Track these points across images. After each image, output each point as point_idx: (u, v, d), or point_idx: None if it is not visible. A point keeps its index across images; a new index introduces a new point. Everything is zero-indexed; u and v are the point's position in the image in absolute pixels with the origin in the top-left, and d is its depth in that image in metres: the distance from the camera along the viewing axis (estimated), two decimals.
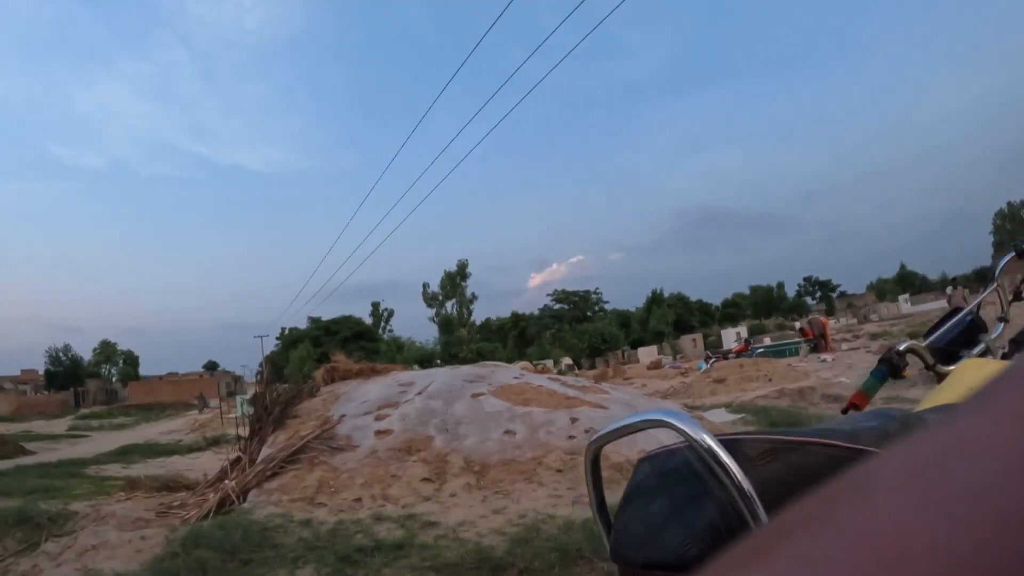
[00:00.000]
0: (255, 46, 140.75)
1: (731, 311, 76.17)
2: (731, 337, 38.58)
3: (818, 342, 22.88)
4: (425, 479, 6.96)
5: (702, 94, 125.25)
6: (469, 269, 69.79)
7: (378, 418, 8.49)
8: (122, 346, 79.78)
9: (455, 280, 69.55)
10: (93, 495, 8.56)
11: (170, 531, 5.88)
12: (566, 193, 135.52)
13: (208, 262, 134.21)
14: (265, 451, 8.24)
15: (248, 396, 36.91)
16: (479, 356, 46.65)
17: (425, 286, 69.88)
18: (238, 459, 8.98)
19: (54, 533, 5.97)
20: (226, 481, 7.36)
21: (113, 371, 77.28)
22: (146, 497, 8.45)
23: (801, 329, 25.75)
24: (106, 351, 77.37)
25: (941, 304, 40.89)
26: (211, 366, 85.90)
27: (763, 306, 75.16)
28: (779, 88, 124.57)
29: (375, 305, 60.18)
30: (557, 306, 69.39)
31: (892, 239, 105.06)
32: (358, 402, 9.26)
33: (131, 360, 78.30)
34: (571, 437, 7.53)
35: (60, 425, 34.83)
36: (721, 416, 10.47)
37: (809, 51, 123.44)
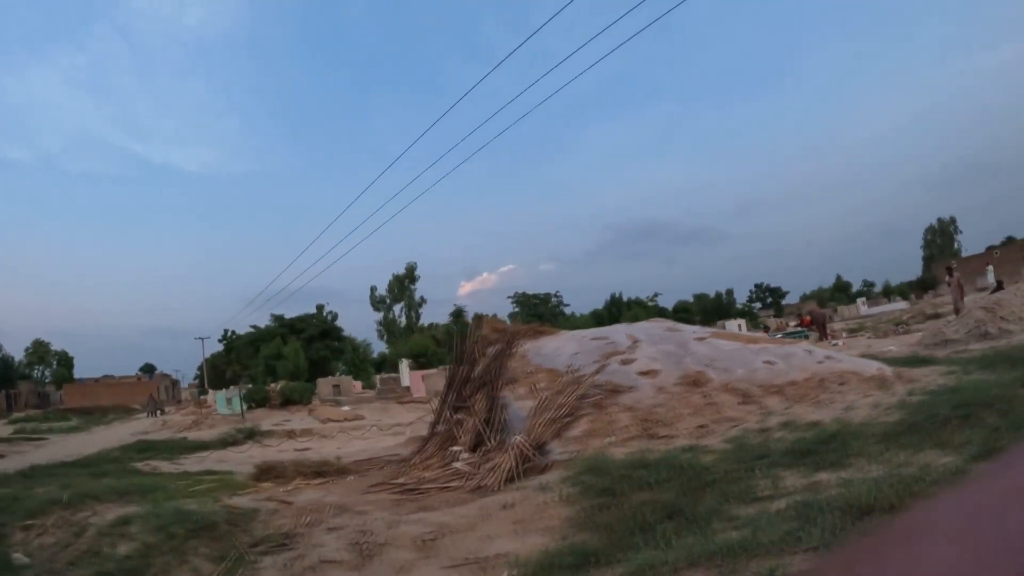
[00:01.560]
0: (195, 42, 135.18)
1: (683, 316, 78.40)
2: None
3: (820, 332, 24.36)
4: (742, 402, 7.81)
5: (640, 109, 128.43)
6: (417, 272, 68.87)
7: (624, 362, 9.05)
8: (55, 347, 75.22)
9: (403, 283, 68.43)
10: (218, 491, 7.88)
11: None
12: (497, 202, 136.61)
13: (141, 263, 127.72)
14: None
15: (229, 393, 35.40)
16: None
17: (373, 289, 68.56)
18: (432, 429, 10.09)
19: (268, 543, 5.31)
20: (516, 437, 7.40)
21: (47, 373, 72.63)
22: (318, 485, 8.22)
23: (801, 318, 27.25)
24: (39, 351, 72.44)
25: (896, 306, 43.60)
26: (148, 369, 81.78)
27: (713, 311, 77.69)
28: (715, 104, 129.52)
29: (319, 308, 59.01)
30: (519, 310, 69.51)
31: (826, 250, 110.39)
32: (564, 355, 9.85)
33: (65, 361, 73.56)
34: (820, 362, 8.59)
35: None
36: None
37: (745, 69, 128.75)
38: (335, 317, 58.46)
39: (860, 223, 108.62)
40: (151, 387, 57.42)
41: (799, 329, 28.72)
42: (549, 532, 4.87)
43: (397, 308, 68.36)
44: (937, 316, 24.29)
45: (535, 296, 70.27)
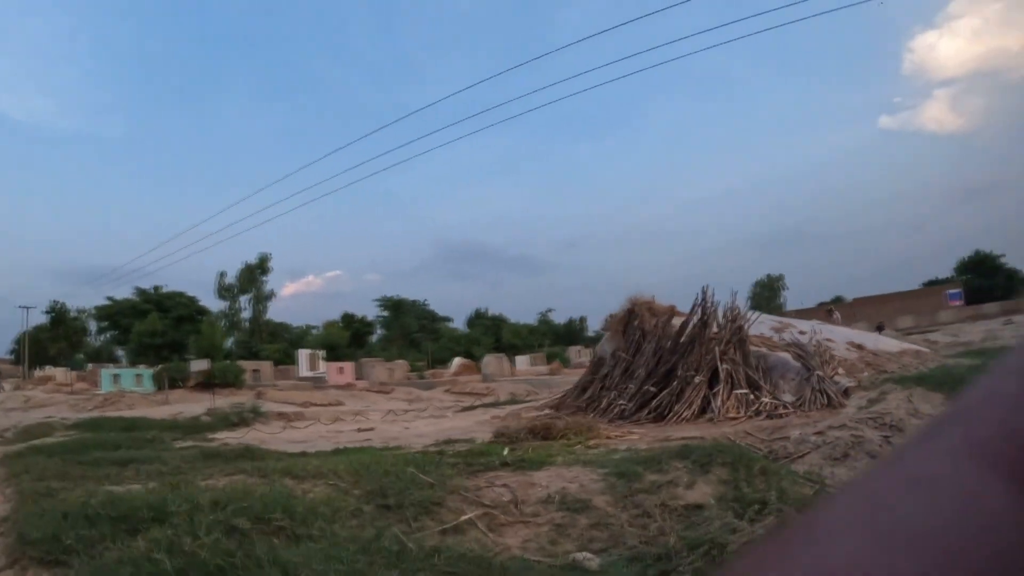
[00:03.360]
0: None
1: (531, 338, 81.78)
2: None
3: None
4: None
5: (487, 134, 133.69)
6: (271, 264, 64.25)
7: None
8: None
9: (254, 273, 63.60)
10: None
11: None
12: (328, 205, 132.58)
13: None
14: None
15: (120, 369, 29.75)
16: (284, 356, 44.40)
17: (221, 275, 62.43)
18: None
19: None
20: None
21: None
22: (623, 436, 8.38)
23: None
24: None
25: None
26: None
27: (565, 335, 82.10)
28: (560, 140, 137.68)
29: (156, 289, 51.85)
30: (385, 312, 67.31)
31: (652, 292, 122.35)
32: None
33: None
34: None
35: None
36: None
37: (595, 111, 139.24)
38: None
39: (687, 272, 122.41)
40: None
41: None
42: None
43: (244, 299, 63.14)
44: None
45: (402, 301, 68.43)
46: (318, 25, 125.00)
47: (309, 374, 35.66)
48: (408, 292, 72.50)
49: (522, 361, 42.29)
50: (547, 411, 13.99)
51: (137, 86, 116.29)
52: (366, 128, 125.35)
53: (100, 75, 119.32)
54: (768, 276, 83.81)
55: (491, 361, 29.99)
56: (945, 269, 66.41)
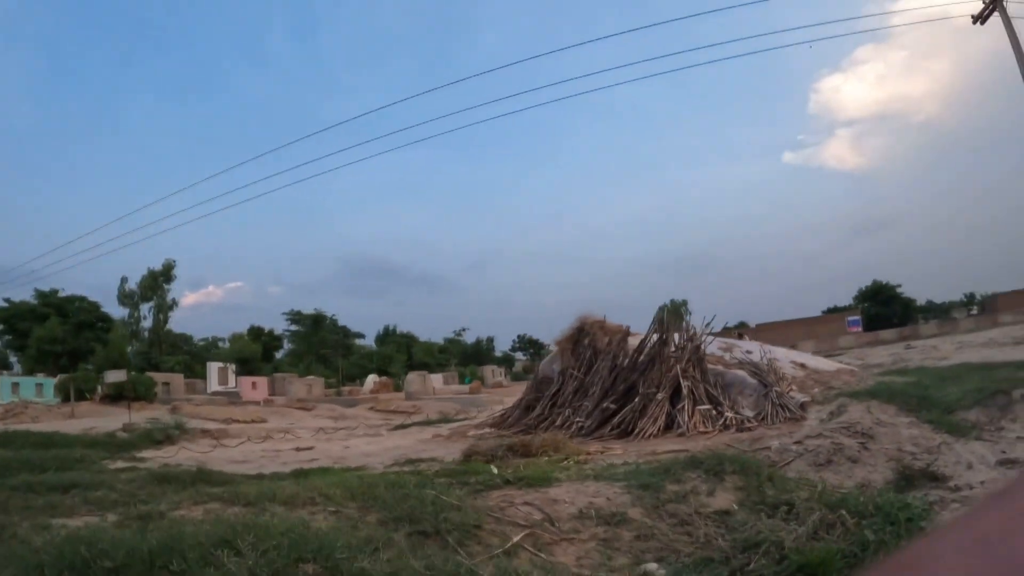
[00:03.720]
0: None
1: (442, 357, 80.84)
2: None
3: None
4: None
5: (401, 150, 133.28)
6: (175, 271, 60.60)
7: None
8: None
9: (157, 281, 59.58)
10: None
11: None
12: (231, 214, 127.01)
13: None
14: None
15: (11, 378, 26.35)
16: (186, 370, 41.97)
17: (123, 281, 58.12)
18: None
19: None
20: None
21: None
22: (598, 453, 8.51)
23: None
24: None
25: None
26: None
27: (473, 355, 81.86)
28: (468, 159, 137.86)
29: (53, 292, 47.26)
30: (294, 327, 64.50)
31: (553, 314, 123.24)
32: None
33: None
34: None
35: None
36: None
37: (506, 132, 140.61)
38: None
39: (593, 295, 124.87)
40: None
41: None
42: None
43: (145, 307, 58.96)
44: None
45: (310, 315, 65.80)
46: (235, 27, 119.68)
47: (220, 388, 33.56)
48: (312, 306, 70.17)
49: (437, 379, 41.77)
50: (488, 429, 13.90)
51: (39, 75, 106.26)
52: (278, 136, 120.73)
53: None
54: (672, 301, 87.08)
55: (414, 379, 29.27)
56: (845, 297, 71.64)
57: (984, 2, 23.13)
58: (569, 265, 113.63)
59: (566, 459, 7.79)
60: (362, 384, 41.51)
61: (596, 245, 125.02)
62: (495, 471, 6.83)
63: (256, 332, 56.72)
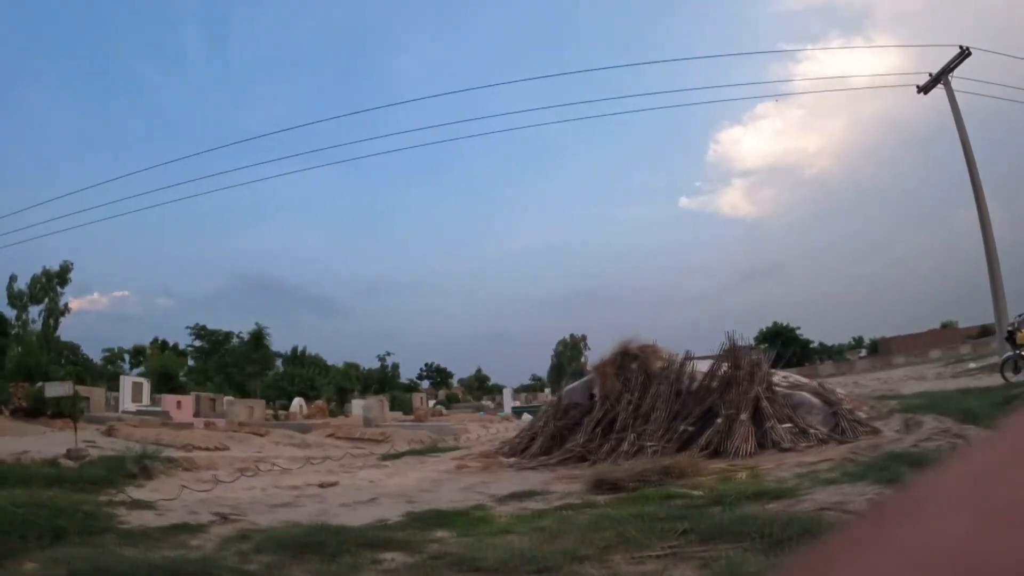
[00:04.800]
0: None
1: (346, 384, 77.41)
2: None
3: None
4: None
5: (303, 165, 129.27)
6: (71, 275, 54.94)
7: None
8: None
9: (52, 282, 53.88)
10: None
11: None
12: (121, 219, 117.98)
13: None
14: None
15: None
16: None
17: (12, 279, 51.85)
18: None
19: None
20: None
21: None
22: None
23: None
24: None
25: None
26: None
27: (378, 381, 79.35)
28: (363, 184, 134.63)
29: None
30: (198, 342, 59.42)
31: (457, 347, 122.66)
32: None
33: None
34: None
35: None
36: None
37: (403, 162, 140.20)
38: None
39: (485, 326, 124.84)
40: None
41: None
42: None
43: (35, 310, 52.80)
44: None
45: (217, 331, 60.89)
46: (147, 28, 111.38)
47: (131, 407, 29.69)
48: (201, 320, 64.88)
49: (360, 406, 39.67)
50: (513, 459, 13.19)
51: None
52: (181, 140, 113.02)
53: None
54: (571, 336, 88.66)
55: (373, 405, 27.30)
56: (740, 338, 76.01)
57: (930, 75, 26.11)
58: (464, 295, 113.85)
59: (728, 477, 7.43)
60: (286, 408, 38.67)
61: (492, 276, 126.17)
62: (697, 493, 6.33)
63: (162, 346, 51.57)
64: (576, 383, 14.99)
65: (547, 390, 67.55)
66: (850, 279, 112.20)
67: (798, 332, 69.55)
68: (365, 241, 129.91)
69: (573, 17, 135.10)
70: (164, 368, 38.03)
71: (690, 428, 11.10)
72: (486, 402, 57.00)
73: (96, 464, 11.30)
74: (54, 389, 15.88)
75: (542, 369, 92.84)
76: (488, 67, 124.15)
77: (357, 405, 33.04)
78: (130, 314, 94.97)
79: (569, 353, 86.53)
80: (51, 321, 53.33)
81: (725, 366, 11.98)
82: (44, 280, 53.71)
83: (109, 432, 18.62)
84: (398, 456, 15.47)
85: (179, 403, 29.76)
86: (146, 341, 58.67)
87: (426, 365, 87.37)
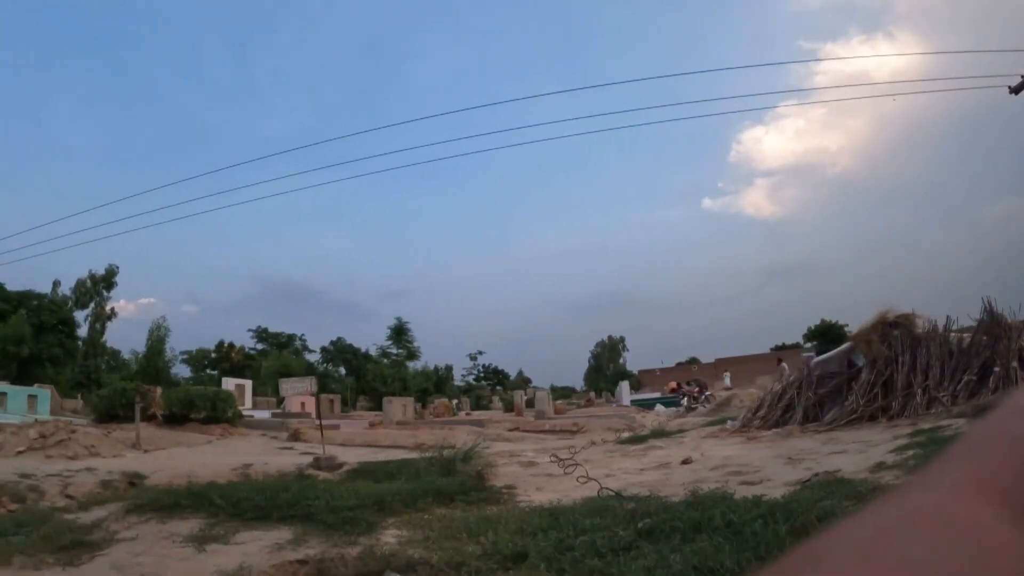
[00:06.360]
0: None
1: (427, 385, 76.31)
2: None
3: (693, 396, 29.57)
4: None
5: (321, 172, 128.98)
6: (117, 279, 54.74)
7: None
8: None
9: (97, 287, 53.78)
10: None
11: None
12: (147, 229, 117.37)
13: None
14: None
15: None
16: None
17: (56, 284, 51.38)
18: None
19: None
20: None
21: None
22: None
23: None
24: None
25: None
26: None
27: (435, 383, 78.76)
28: (388, 189, 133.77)
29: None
30: (261, 345, 59.57)
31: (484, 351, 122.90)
32: None
33: None
34: None
35: None
36: None
37: (427, 166, 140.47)
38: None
39: (512, 325, 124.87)
40: None
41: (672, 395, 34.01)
42: None
43: (80, 316, 52.08)
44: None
45: (280, 334, 61.41)
46: (166, 36, 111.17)
47: (249, 410, 29.52)
48: (226, 326, 64.92)
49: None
50: (755, 430, 14.26)
51: None
52: (204, 149, 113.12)
53: None
54: (610, 337, 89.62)
55: (543, 397, 29.37)
56: (761, 337, 77.17)
57: (1022, 76, 28.08)
58: (489, 298, 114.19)
59: None
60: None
61: (517, 281, 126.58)
62: None
63: (229, 348, 51.41)
64: (825, 356, 16.07)
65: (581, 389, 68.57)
66: (873, 276, 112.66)
67: (847, 329, 69.73)
68: (390, 246, 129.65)
69: (594, 17, 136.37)
70: (286, 369, 37.79)
71: (973, 378, 12.53)
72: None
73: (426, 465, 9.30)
74: (292, 387, 14.20)
75: (573, 372, 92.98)
76: (509, 72, 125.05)
77: (537, 397, 32.32)
78: (156, 318, 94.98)
79: (608, 354, 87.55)
80: (97, 326, 53.20)
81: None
82: (89, 284, 53.49)
83: (295, 437, 17.73)
84: (643, 439, 14.88)
85: (303, 404, 29.80)
86: (175, 347, 58.15)
87: (484, 367, 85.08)
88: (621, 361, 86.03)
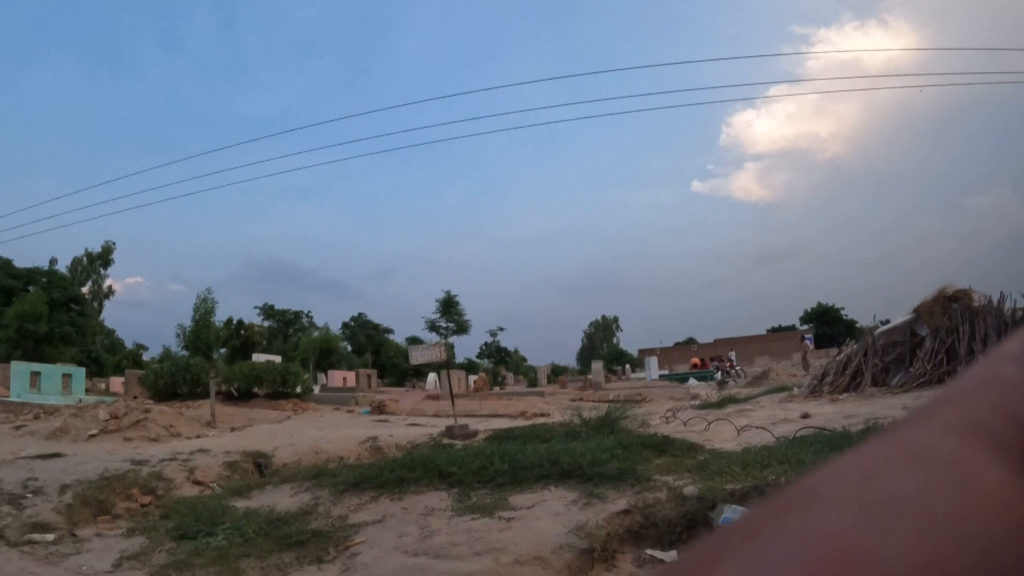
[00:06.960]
0: None
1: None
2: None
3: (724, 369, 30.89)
4: None
5: (309, 152, 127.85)
6: (114, 256, 54.29)
7: None
8: None
9: (94, 264, 53.27)
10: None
11: None
12: (134, 207, 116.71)
13: None
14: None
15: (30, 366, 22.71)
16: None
17: (52, 263, 50.70)
18: None
19: None
20: None
21: None
22: None
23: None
24: None
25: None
26: None
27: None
28: (375, 168, 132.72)
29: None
30: (267, 322, 59.43)
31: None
32: None
33: None
34: None
35: None
36: None
37: (415, 145, 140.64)
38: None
39: (502, 306, 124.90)
40: None
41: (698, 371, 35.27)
42: None
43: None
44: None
45: (286, 311, 61.45)
46: (152, 12, 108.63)
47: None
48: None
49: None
50: (827, 395, 15.40)
51: None
52: (190, 126, 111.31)
53: None
54: (603, 317, 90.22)
55: (598, 370, 30.60)
56: (750, 320, 78.69)
57: None
58: (476, 277, 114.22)
59: None
60: (414, 383, 39.26)
61: (505, 261, 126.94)
62: None
63: (238, 325, 51.18)
64: (890, 326, 17.26)
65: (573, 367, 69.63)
66: (881, 259, 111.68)
67: (843, 312, 69.45)
68: (377, 225, 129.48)
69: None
70: (327, 344, 37.82)
71: None
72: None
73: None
74: (422, 354, 13.17)
75: (565, 352, 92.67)
76: (498, 53, 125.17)
77: (594, 370, 33.57)
78: (143, 300, 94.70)
79: (601, 334, 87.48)
80: (94, 304, 52.14)
81: None
82: (86, 262, 52.94)
83: (380, 410, 17.83)
84: (721, 405, 15.30)
85: (344, 379, 30.27)
86: (163, 327, 57.85)
87: (486, 344, 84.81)
88: (615, 341, 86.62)
